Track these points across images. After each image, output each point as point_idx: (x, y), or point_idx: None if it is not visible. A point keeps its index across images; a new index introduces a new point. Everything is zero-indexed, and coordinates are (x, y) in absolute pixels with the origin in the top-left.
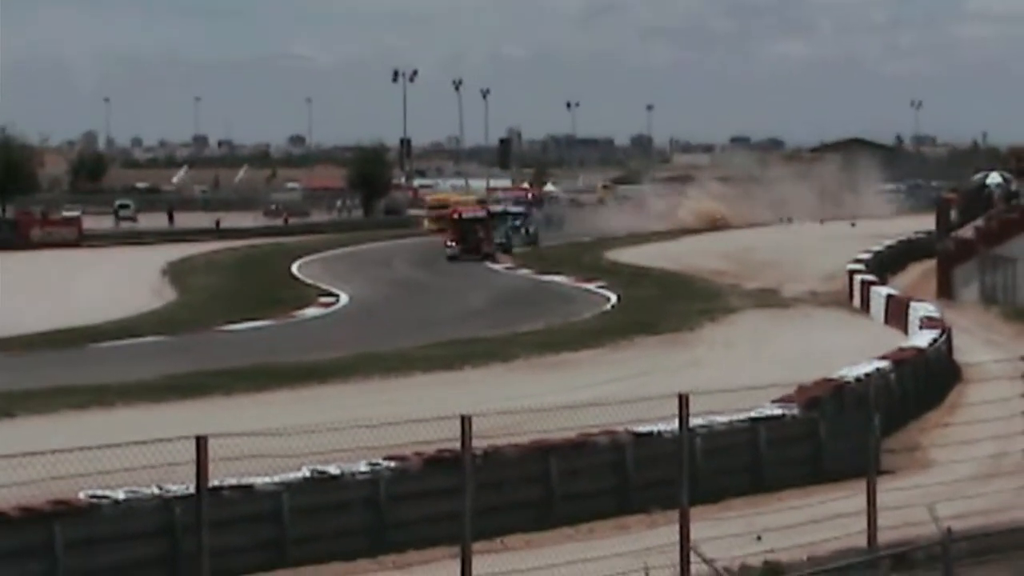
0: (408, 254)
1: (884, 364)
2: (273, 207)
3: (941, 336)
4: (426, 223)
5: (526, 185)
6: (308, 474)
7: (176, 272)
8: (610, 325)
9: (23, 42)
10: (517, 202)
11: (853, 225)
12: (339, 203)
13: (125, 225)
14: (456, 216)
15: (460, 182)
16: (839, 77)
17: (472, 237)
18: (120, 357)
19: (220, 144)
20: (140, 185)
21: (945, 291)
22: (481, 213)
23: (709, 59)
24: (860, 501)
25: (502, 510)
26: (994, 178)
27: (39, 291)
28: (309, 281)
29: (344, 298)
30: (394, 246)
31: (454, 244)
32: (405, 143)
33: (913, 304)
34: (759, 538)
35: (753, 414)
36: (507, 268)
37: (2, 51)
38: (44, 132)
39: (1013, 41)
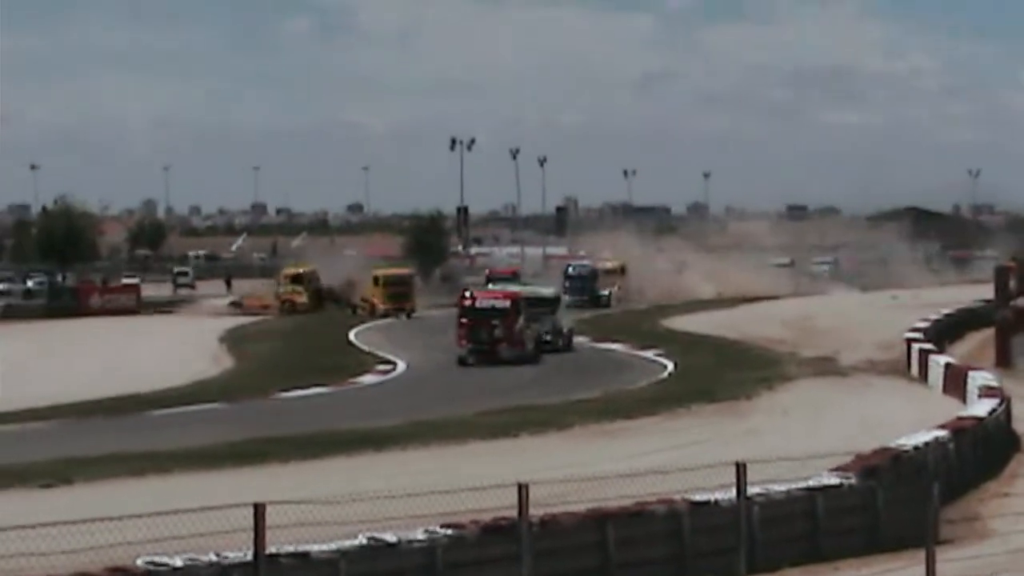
0: None
1: (943, 433)
2: None
3: (1000, 405)
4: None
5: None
6: (365, 541)
7: (234, 339)
8: (667, 393)
9: (83, 110)
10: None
11: (894, 298)
12: None
13: (183, 292)
14: (468, 304)
15: (516, 249)
16: (894, 146)
17: (487, 335)
18: (178, 424)
19: (278, 212)
20: (199, 252)
21: (1003, 360)
22: (503, 301)
23: (764, 127)
24: (919, 572)
25: None
26: None
27: (98, 358)
28: (366, 348)
29: (401, 365)
30: (451, 314)
31: (465, 343)
32: (462, 211)
33: (971, 373)
34: None
35: (811, 483)
36: None
37: (62, 119)
38: (104, 200)
39: None
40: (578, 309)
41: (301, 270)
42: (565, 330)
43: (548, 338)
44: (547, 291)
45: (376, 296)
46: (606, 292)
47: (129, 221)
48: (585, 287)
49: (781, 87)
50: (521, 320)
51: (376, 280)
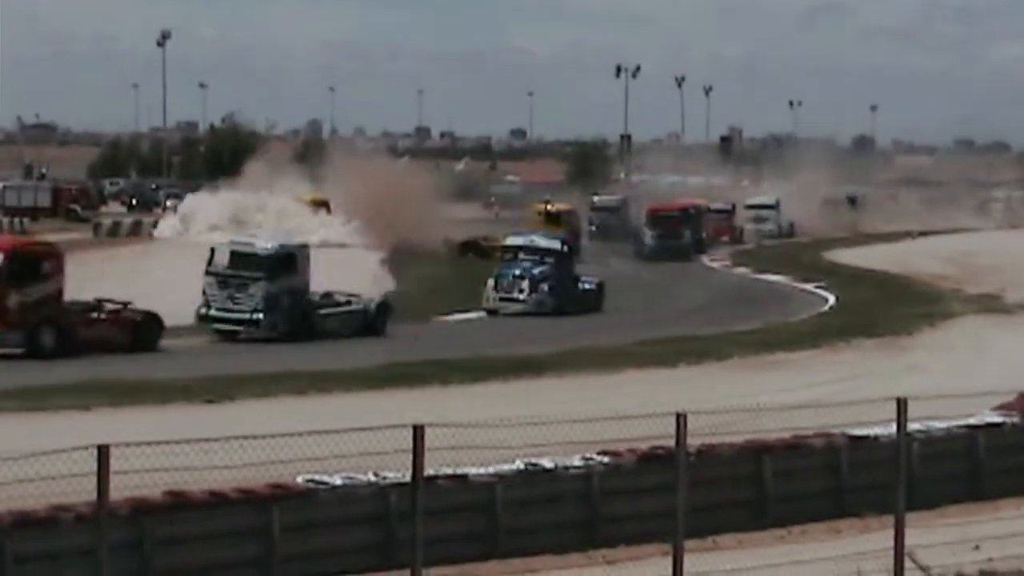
0: (626, 250)
1: None
2: (491, 199)
3: None
4: None
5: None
6: (522, 466)
7: (394, 262)
8: (827, 326)
9: (252, 30)
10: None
11: None
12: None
13: None
14: None
15: (678, 178)
16: None
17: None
18: (341, 345)
19: (442, 136)
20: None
21: None
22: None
23: (933, 61)
24: None
25: (714, 509)
26: None
27: None
28: None
29: None
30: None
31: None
32: (626, 139)
33: None
34: (976, 547)
35: (972, 421)
36: (724, 266)
37: (231, 39)
38: (271, 120)
39: None
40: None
41: None
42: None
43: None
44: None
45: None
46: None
47: (295, 141)
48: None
49: (951, 20)
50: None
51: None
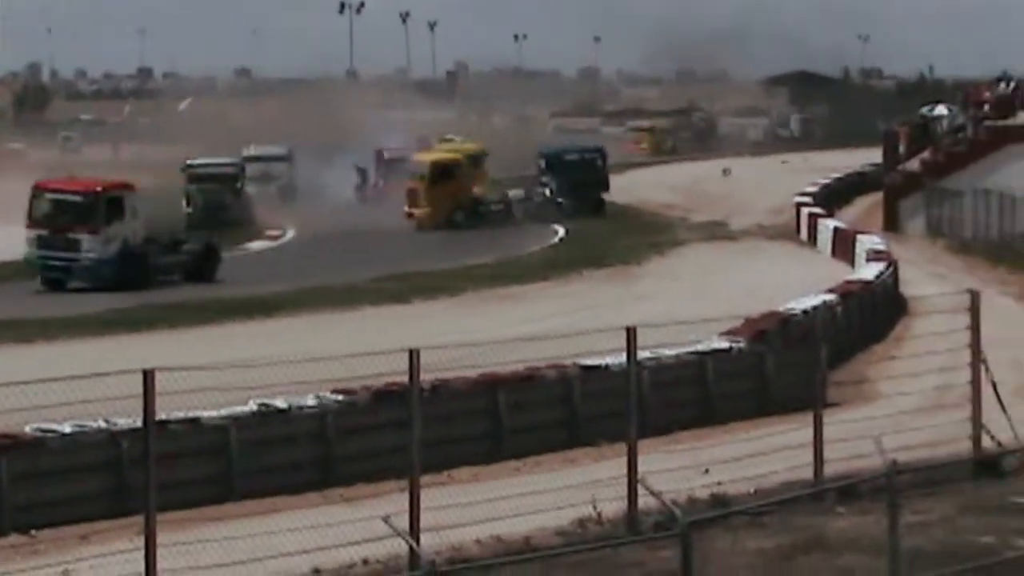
0: None
1: (831, 297)
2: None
3: (887, 269)
4: None
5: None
6: (255, 408)
7: None
8: (558, 258)
9: None
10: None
11: (784, 162)
12: None
13: (69, 157)
14: None
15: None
16: (780, 9)
17: None
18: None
19: (165, 76)
20: (85, 117)
21: (892, 224)
22: None
23: None
24: (807, 434)
25: (450, 443)
26: (940, 111)
27: None
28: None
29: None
30: None
31: None
32: (352, 75)
33: (860, 237)
34: (707, 471)
35: (701, 347)
36: None
37: None
38: None
39: None
40: None
41: None
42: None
43: None
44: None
45: None
46: None
47: (14, 85)
48: None
49: None
50: None
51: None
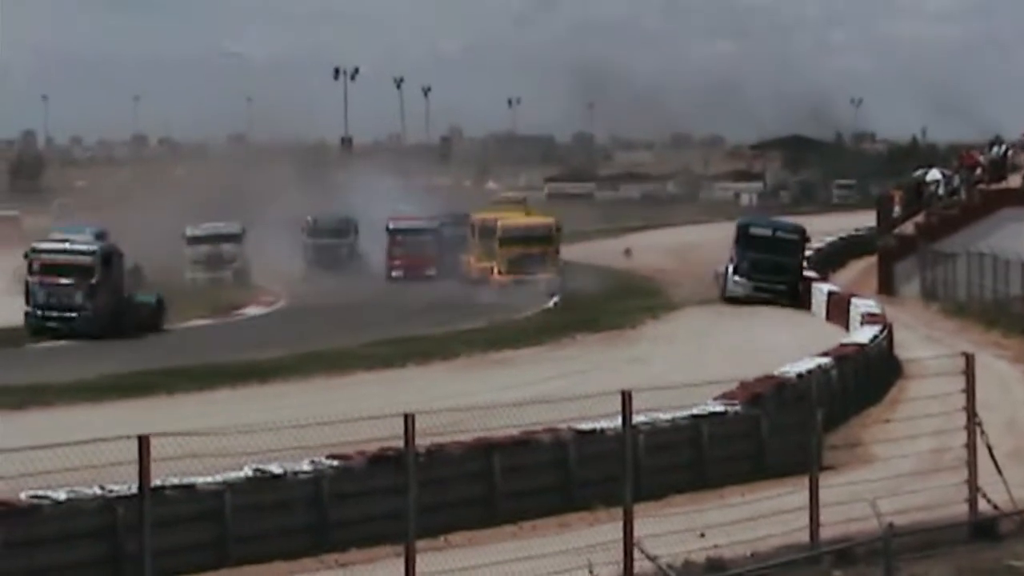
0: None
1: (826, 360)
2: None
3: (882, 332)
4: None
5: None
6: (250, 473)
7: None
8: (552, 323)
9: None
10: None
11: None
12: None
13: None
14: None
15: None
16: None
17: None
18: (60, 358)
19: (160, 142)
20: (80, 184)
21: (886, 287)
22: None
23: (642, 56)
24: (802, 497)
25: (445, 508)
26: (934, 174)
27: None
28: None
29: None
30: None
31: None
32: (347, 141)
33: (854, 300)
34: (702, 535)
35: (695, 411)
36: None
37: None
38: None
39: (949, 40)
40: None
41: None
42: None
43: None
44: None
45: None
46: None
47: (9, 153)
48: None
49: (660, 16)
50: None
51: None
